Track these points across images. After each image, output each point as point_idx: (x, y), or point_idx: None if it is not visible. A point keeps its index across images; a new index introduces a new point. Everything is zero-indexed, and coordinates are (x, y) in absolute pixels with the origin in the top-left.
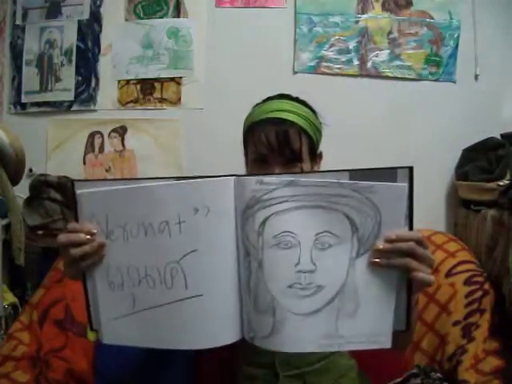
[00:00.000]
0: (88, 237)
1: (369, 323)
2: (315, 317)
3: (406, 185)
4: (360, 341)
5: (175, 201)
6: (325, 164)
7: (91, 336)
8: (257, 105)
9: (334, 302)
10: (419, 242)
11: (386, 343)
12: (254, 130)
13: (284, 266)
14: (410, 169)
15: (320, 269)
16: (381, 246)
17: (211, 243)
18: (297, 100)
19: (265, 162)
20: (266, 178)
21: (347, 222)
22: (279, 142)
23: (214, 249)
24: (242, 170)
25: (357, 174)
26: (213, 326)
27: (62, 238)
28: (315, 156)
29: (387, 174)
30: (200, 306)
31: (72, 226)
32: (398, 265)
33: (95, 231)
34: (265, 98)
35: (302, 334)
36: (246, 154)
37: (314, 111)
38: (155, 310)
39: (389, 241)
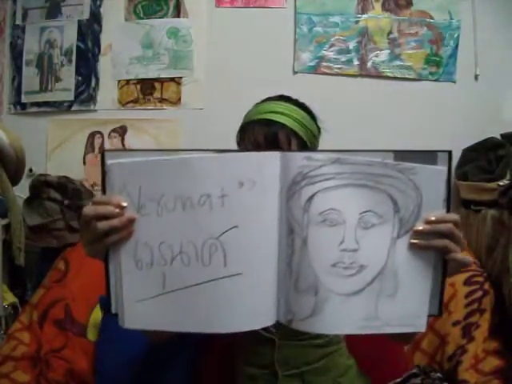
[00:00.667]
0: (117, 210)
1: (407, 306)
2: (357, 297)
3: (446, 168)
4: (397, 323)
5: (219, 174)
6: None
7: (91, 336)
8: (256, 104)
9: (375, 282)
10: (456, 224)
11: (422, 327)
12: (245, 130)
13: (328, 244)
14: (450, 152)
15: (363, 248)
16: (421, 228)
17: (254, 219)
18: (295, 102)
19: None
20: (314, 154)
21: (390, 202)
22: (267, 144)
23: (257, 225)
24: None
25: (401, 154)
26: (250, 307)
27: (88, 210)
28: None
29: (428, 156)
30: (239, 285)
31: (100, 198)
32: (436, 246)
33: (125, 204)
34: (264, 98)
35: (342, 315)
36: None
37: (312, 115)
38: (188, 291)
39: (428, 222)
